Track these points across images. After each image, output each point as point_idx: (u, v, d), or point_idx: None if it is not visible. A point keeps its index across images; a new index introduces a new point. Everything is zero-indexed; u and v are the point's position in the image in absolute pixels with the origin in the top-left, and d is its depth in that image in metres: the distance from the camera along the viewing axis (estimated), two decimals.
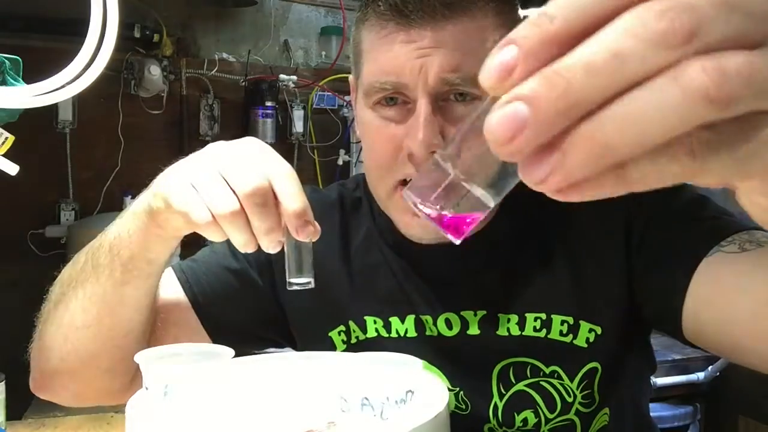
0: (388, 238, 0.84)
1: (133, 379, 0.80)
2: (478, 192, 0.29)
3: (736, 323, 0.66)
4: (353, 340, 0.84)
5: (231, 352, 0.61)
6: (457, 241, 0.32)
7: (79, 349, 0.76)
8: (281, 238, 0.60)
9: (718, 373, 2.10)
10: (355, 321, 0.84)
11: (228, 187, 0.58)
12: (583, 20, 0.24)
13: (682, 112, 0.23)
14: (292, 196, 0.59)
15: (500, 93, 0.24)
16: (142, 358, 0.58)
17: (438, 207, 0.30)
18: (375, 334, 0.83)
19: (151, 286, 0.75)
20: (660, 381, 2.00)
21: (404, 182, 0.74)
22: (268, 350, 0.90)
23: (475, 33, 0.70)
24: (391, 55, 0.70)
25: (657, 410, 2.01)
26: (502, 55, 0.24)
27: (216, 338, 0.83)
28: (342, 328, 0.84)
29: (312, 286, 0.63)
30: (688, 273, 0.71)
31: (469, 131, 0.28)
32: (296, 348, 0.90)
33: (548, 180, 0.25)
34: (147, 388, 0.57)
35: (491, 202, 0.29)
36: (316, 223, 0.60)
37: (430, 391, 0.60)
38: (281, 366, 0.72)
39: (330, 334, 0.85)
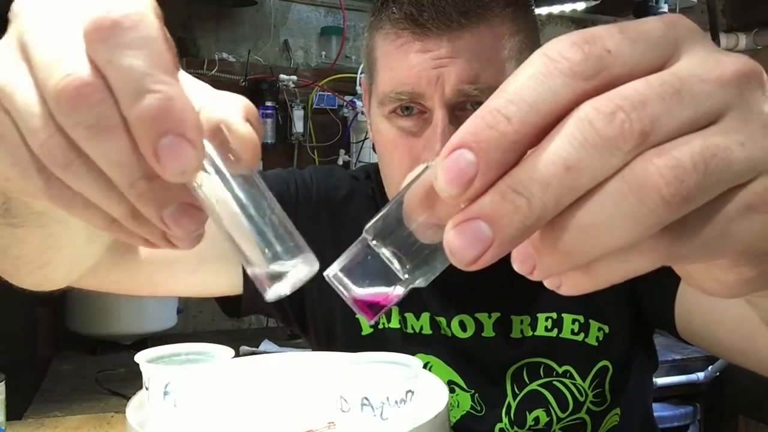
0: None
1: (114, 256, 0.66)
2: (407, 276, 0.28)
3: (722, 323, 0.67)
4: (380, 326, 0.84)
5: (231, 352, 0.61)
6: (371, 322, 0.31)
7: None
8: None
9: (718, 373, 2.10)
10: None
11: (26, 74, 0.28)
12: (538, 120, 0.23)
13: (641, 219, 0.22)
14: (139, 63, 0.26)
15: (457, 201, 0.24)
16: (142, 358, 0.58)
17: (363, 288, 0.29)
18: (398, 326, 0.83)
19: (56, 233, 0.51)
20: (660, 381, 2.00)
21: None
22: (267, 351, 0.89)
23: (491, 41, 0.69)
24: (406, 65, 0.70)
25: (657, 410, 2.00)
26: (458, 162, 0.23)
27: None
28: None
29: (306, 273, 0.30)
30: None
31: (398, 210, 0.27)
32: (302, 328, 0.89)
33: (532, 275, 0.25)
34: (147, 388, 0.57)
35: (415, 285, 0.28)
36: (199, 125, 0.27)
37: (430, 391, 0.60)
38: (281, 366, 0.72)
39: (357, 315, 0.84)
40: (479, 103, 0.70)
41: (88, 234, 0.56)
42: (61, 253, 0.55)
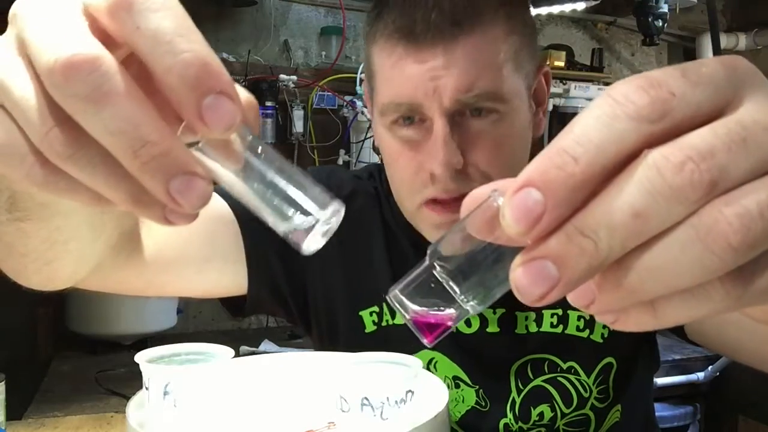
0: (406, 233, 0.83)
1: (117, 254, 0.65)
2: (466, 300, 0.28)
3: (732, 323, 0.67)
4: (384, 323, 0.84)
5: (231, 352, 0.61)
6: (430, 344, 0.31)
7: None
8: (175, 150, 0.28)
9: (718, 373, 2.10)
10: (387, 304, 0.83)
11: (24, 68, 0.29)
12: (605, 162, 0.23)
13: (707, 264, 0.23)
14: (166, 36, 0.27)
15: (524, 238, 0.24)
16: (142, 358, 0.58)
17: (422, 310, 0.30)
18: (402, 322, 0.83)
19: (61, 226, 0.51)
20: (660, 381, 2.00)
21: (431, 201, 0.73)
22: (267, 351, 0.89)
23: (486, 46, 0.69)
24: (404, 77, 0.70)
25: (657, 410, 2.00)
26: (526, 200, 0.23)
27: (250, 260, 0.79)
28: (375, 308, 0.84)
29: (334, 218, 0.31)
30: None
31: (468, 241, 0.28)
32: (306, 326, 0.89)
33: (589, 308, 0.25)
34: (147, 388, 0.57)
35: (473, 312, 0.29)
36: (240, 94, 0.29)
37: (430, 391, 0.60)
38: (281, 366, 0.72)
39: (360, 313, 0.84)
40: (477, 109, 0.70)
41: (93, 229, 0.56)
42: (66, 248, 0.55)
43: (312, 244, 0.31)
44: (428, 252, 0.28)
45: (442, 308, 0.29)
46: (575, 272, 0.23)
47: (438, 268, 0.28)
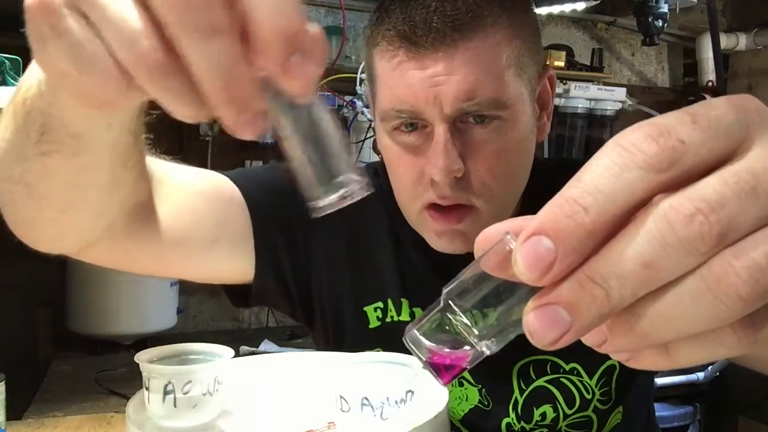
0: (411, 232, 0.82)
1: (132, 219, 0.64)
2: (480, 340, 0.29)
3: None
4: (388, 319, 0.84)
5: (231, 352, 0.61)
6: (446, 384, 0.32)
7: (14, 202, 0.56)
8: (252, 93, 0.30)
9: (718, 373, 2.11)
10: (393, 300, 0.84)
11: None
12: (615, 211, 0.24)
13: (717, 314, 0.23)
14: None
15: (536, 284, 0.25)
16: (142, 358, 0.58)
17: (438, 350, 0.30)
18: (408, 319, 0.83)
19: (86, 166, 0.51)
20: (660, 381, 2.00)
21: (431, 205, 0.73)
22: (267, 351, 0.89)
23: (487, 52, 0.69)
24: (404, 83, 0.70)
25: (657, 410, 2.00)
26: (537, 248, 0.24)
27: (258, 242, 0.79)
28: (380, 304, 0.84)
29: (352, 195, 0.32)
30: None
31: (482, 281, 0.28)
32: (308, 321, 0.88)
33: (601, 348, 0.26)
34: (147, 388, 0.57)
35: (489, 352, 0.29)
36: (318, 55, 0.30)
37: (430, 391, 0.60)
38: (281, 366, 0.72)
39: (365, 308, 0.84)
40: (480, 115, 0.70)
41: (115, 179, 0.55)
42: (85, 197, 0.55)
43: (326, 209, 0.32)
44: (443, 291, 0.29)
45: (457, 347, 0.30)
46: (587, 318, 0.24)
47: (453, 307, 0.28)
